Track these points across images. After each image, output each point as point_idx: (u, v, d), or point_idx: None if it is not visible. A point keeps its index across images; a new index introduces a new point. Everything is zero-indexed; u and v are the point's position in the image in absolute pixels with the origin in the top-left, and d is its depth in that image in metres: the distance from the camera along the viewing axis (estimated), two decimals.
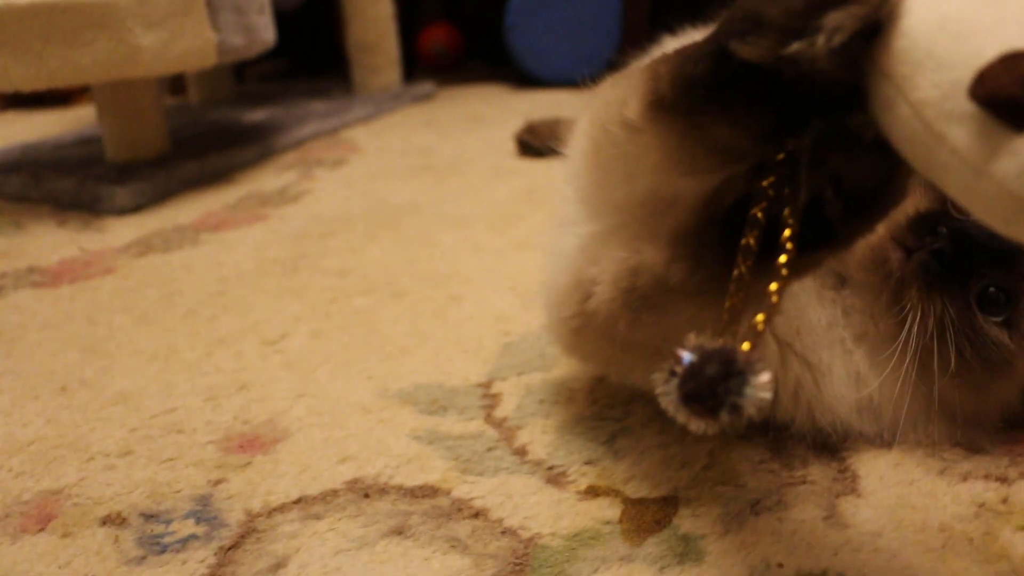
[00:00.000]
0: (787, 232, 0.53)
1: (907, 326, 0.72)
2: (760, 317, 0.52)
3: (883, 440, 0.77)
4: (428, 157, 1.92)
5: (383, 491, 0.78)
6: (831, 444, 0.79)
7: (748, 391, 0.47)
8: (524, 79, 2.71)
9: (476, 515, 0.74)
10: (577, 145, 0.75)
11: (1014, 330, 0.73)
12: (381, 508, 0.76)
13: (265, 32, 1.85)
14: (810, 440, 0.79)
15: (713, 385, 0.47)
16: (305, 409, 0.92)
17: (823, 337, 0.76)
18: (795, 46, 0.47)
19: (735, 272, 0.55)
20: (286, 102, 2.49)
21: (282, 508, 0.77)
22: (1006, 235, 0.48)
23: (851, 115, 0.50)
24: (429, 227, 1.46)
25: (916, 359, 0.72)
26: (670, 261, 0.62)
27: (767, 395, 0.48)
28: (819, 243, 0.55)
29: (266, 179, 1.83)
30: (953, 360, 0.71)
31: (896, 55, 0.48)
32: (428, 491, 0.78)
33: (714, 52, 0.52)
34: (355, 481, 0.79)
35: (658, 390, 0.50)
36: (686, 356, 0.49)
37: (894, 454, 0.77)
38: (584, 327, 0.73)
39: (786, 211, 0.53)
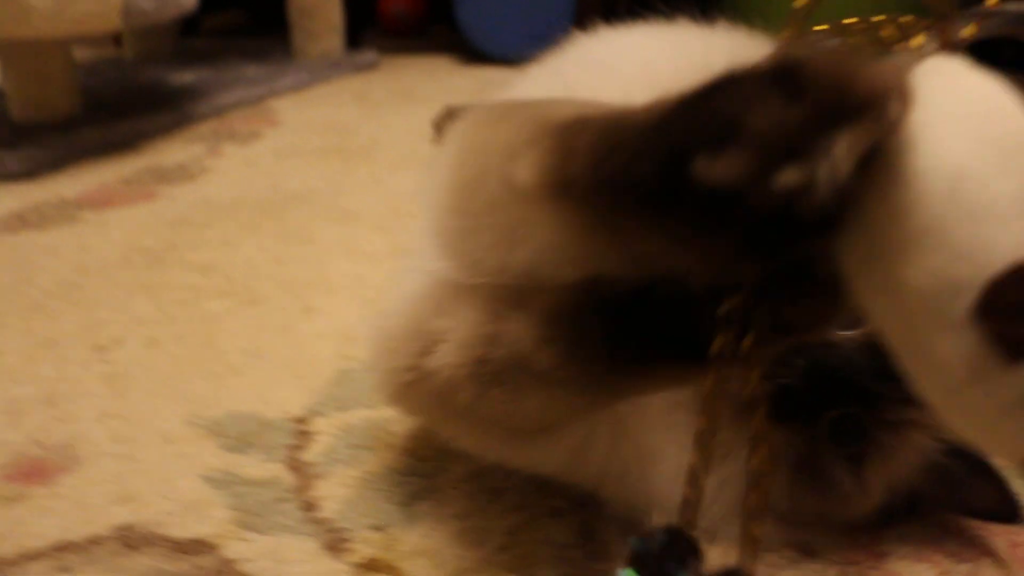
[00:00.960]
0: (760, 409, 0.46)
1: (745, 452, 0.64)
2: (758, 528, 0.46)
3: (708, 535, 0.70)
4: (345, 137, 1.83)
5: (150, 542, 0.71)
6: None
7: None
8: (476, 53, 2.60)
9: None
10: (442, 175, 0.62)
11: (862, 465, 0.66)
12: (139, 564, 0.69)
13: None
14: (629, 522, 0.71)
15: None
16: (106, 433, 0.85)
17: (659, 420, 0.68)
18: (789, 174, 0.36)
19: (699, 428, 0.48)
20: (221, 63, 2.38)
21: (37, 555, 0.70)
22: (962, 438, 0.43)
23: (815, 244, 0.40)
24: (314, 220, 1.37)
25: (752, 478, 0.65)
26: (540, 342, 0.53)
27: None
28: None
29: (173, 151, 1.74)
30: (788, 493, 0.65)
31: (892, 204, 0.38)
32: (197, 547, 0.71)
33: (665, 159, 0.40)
34: (125, 528, 0.72)
35: None
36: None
37: (715, 552, 0.69)
38: (417, 384, 0.62)
39: (755, 373, 0.46)
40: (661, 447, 0.67)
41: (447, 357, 0.58)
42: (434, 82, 2.38)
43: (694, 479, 0.48)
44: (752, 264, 0.41)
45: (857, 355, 0.64)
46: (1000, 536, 0.72)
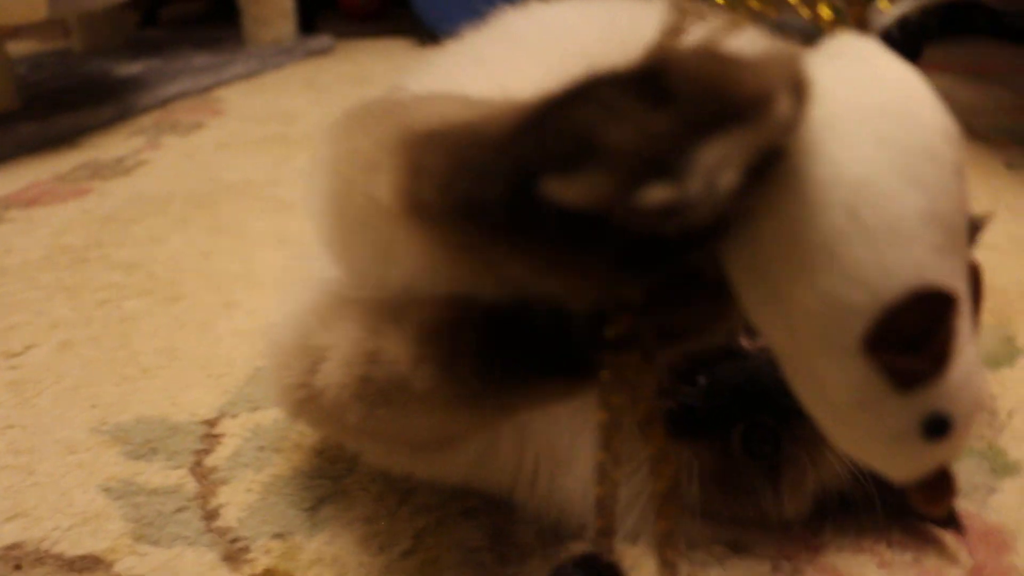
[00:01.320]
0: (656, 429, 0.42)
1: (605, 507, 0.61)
2: (672, 553, 0.43)
3: (627, 535, 0.65)
4: (289, 124, 1.78)
5: (39, 561, 0.67)
6: (565, 532, 0.67)
7: None
8: (431, 36, 2.54)
9: None
10: (320, 181, 0.57)
11: (778, 477, 0.63)
12: None
13: None
14: (543, 523, 0.67)
15: None
16: (5, 445, 0.80)
17: (566, 422, 0.64)
18: (654, 192, 0.31)
19: (600, 459, 0.44)
20: (170, 53, 2.32)
21: None
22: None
23: (701, 253, 0.36)
24: (248, 212, 1.33)
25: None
26: (416, 362, 0.49)
27: None
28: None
29: (113, 145, 1.68)
30: (701, 501, 0.62)
31: (784, 215, 0.34)
32: (88, 563, 0.67)
33: (512, 180, 0.35)
34: (14, 546, 0.68)
35: None
36: None
37: (636, 551, 0.65)
38: (309, 401, 0.58)
39: (646, 391, 0.42)
40: (570, 449, 0.63)
41: (331, 376, 0.54)
42: (390, 66, 2.31)
43: (603, 509, 0.45)
44: (632, 282, 0.37)
45: (769, 367, 0.60)
46: None
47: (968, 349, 0.36)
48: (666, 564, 0.43)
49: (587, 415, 0.64)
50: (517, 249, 0.37)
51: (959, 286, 0.36)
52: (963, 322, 0.36)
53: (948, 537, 0.68)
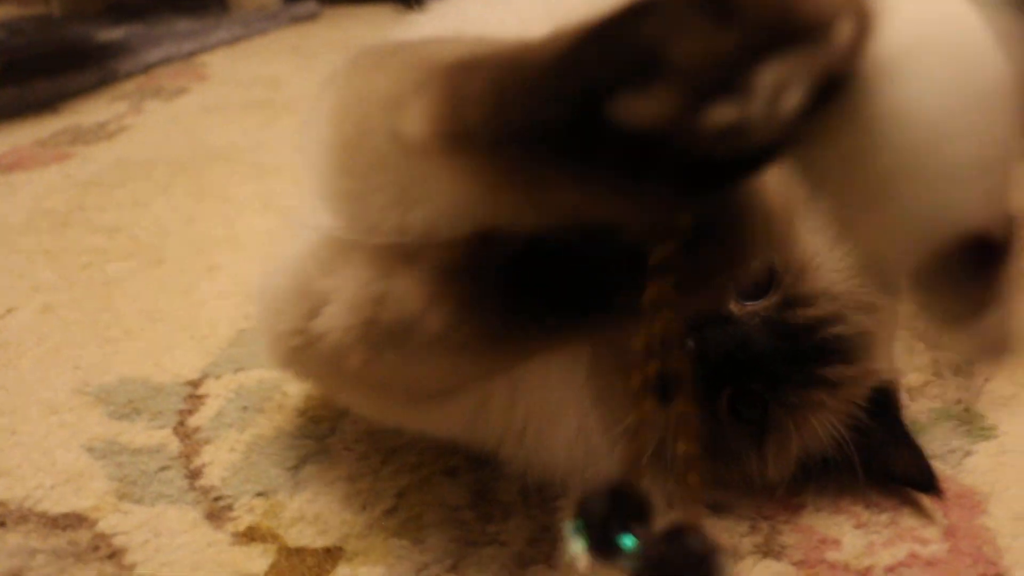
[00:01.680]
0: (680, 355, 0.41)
1: (636, 434, 0.60)
2: (694, 477, 0.42)
3: None
4: (273, 90, 1.76)
5: (23, 519, 0.67)
6: (548, 491, 0.68)
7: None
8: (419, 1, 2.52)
9: (111, 556, 0.64)
10: (322, 131, 0.55)
11: (762, 443, 0.64)
12: (9, 543, 0.65)
13: None
14: (527, 482, 0.67)
15: None
16: None
17: (557, 379, 0.64)
18: (720, 112, 0.31)
19: (638, 411, 0.42)
20: (153, 18, 2.28)
21: None
22: None
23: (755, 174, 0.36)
24: (232, 176, 1.32)
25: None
26: (430, 302, 0.48)
27: None
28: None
29: (94, 110, 1.67)
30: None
31: (846, 154, 0.34)
32: (72, 521, 0.67)
33: (577, 100, 0.34)
34: None
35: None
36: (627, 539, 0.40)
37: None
38: (305, 348, 0.57)
39: (678, 321, 0.40)
40: (559, 406, 0.64)
41: (334, 319, 0.53)
42: (375, 31, 2.29)
43: (636, 435, 0.43)
44: (686, 206, 0.36)
45: (759, 334, 0.61)
46: None
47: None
48: (689, 489, 0.42)
49: (577, 373, 0.64)
50: (573, 175, 0.36)
51: (1008, 235, 0.36)
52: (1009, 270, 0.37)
53: (924, 499, 0.69)
